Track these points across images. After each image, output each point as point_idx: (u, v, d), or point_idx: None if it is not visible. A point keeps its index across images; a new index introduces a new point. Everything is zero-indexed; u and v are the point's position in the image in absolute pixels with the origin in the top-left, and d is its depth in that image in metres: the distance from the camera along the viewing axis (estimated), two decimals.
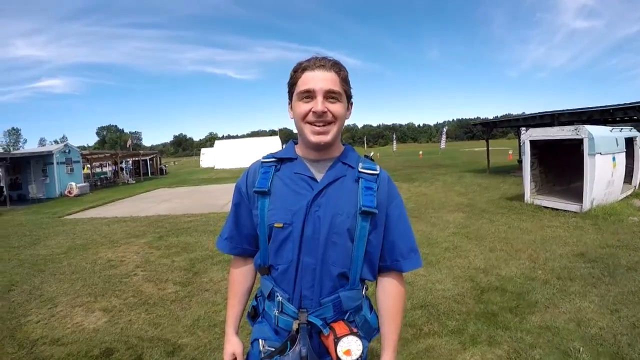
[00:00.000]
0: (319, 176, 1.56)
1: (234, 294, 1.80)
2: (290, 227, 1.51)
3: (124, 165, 38.81)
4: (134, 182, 34.08)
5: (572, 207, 10.18)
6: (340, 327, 1.49)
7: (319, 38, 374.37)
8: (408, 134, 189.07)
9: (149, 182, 32.45)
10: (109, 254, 8.66)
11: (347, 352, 1.43)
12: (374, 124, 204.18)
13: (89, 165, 35.45)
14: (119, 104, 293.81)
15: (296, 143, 1.68)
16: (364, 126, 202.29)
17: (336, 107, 1.49)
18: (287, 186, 1.56)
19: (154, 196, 21.20)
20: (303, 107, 1.49)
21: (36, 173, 25.97)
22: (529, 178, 11.56)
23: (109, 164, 41.28)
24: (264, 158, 1.66)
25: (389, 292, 1.65)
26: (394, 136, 78.56)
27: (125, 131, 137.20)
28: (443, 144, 49.40)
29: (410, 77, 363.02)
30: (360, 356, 1.45)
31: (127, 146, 43.67)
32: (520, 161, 16.75)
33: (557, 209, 10.36)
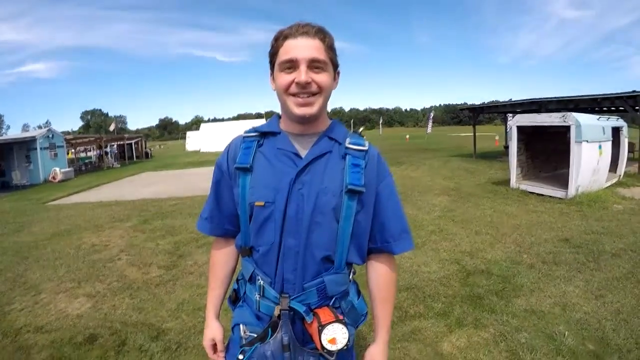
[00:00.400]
0: (303, 152, 1.48)
1: (215, 276, 1.73)
2: (272, 206, 1.43)
3: (108, 149, 38.35)
4: (119, 166, 33.81)
5: (558, 193, 10.30)
6: (325, 313, 1.42)
7: (307, 19, 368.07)
8: (395, 118, 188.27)
9: (134, 166, 32.19)
10: (93, 238, 8.63)
11: (332, 341, 1.37)
12: (361, 108, 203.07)
13: (73, 150, 35.03)
14: (104, 87, 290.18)
15: (280, 117, 1.59)
16: (351, 109, 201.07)
17: (321, 77, 1.39)
18: (269, 162, 1.48)
19: (139, 180, 21.09)
20: (285, 78, 1.39)
21: (19, 159, 25.61)
22: (515, 163, 11.67)
23: (93, 149, 40.86)
24: (246, 132, 1.58)
25: (380, 275, 1.61)
26: (381, 120, 78.25)
27: (110, 115, 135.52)
28: (430, 129, 49.40)
29: (398, 60, 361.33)
30: (346, 344, 1.38)
31: (112, 130, 43.19)
32: (506, 147, 16.79)
33: (542, 195, 10.48)
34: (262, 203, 1.44)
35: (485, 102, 22.90)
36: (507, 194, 10.61)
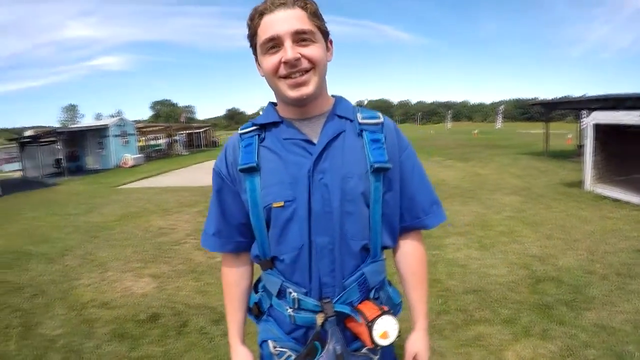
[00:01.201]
0: (314, 137, 1.30)
1: (232, 298, 1.53)
2: (294, 204, 1.26)
3: (177, 137, 39.85)
4: (187, 153, 35.11)
5: (636, 199, 9.50)
6: (368, 308, 1.28)
7: (368, 11, 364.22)
8: (463, 112, 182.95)
9: (201, 154, 33.19)
10: (160, 222, 8.87)
11: (384, 335, 1.23)
12: (428, 101, 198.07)
13: (143, 138, 36.58)
14: (173, 79, 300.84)
15: (275, 104, 1.41)
16: (418, 102, 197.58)
17: (312, 50, 1.21)
18: (278, 156, 1.30)
19: (206, 167, 21.57)
20: (270, 60, 1.22)
21: (93, 146, 27.24)
22: (590, 165, 10.83)
23: (162, 137, 42.46)
24: (241, 129, 1.40)
25: (412, 255, 1.47)
26: (449, 114, 76.41)
27: (179, 105, 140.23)
28: (499, 124, 47.79)
29: (465, 52, 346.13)
30: (398, 335, 1.26)
31: (181, 120, 44.65)
32: (580, 146, 15.75)
33: (619, 200, 9.62)
34: (281, 203, 1.26)
35: (557, 98, 21.70)
36: (580, 197, 9.90)
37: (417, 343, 1.45)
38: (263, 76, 1.30)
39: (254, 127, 1.36)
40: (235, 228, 1.42)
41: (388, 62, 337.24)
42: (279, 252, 1.31)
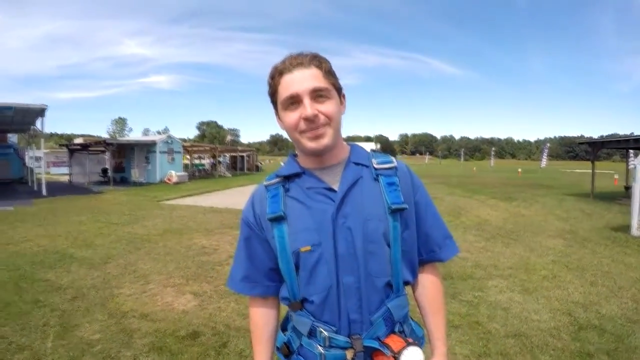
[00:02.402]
0: (334, 185, 1.42)
1: (259, 339, 1.61)
2: (320, 248, 1.36)
3: (221, 159, 40.69)
4: (230, 175, 35.78)
5: None
6: (394, 341, 1.35)
7: (417, 44, 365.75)
8: (506, 149, 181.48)
9: (244, 177, 33.71)
10: (203, 240, 8.94)
11: None
12: (472, 137, 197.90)
13: (188, 157, 37.48)
14: (219, 101, 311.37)
15: (296, 155, 1.54)
16: (461, 138, 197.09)
17: (327, 106, 1.34)
18: (303, 205, 1.40)
19: (249, 191, 21.82)
20: (291, 116, 1.35)
21: (139, 159, 28.17)
22: (638, 208, 10.45)
23: (207, 157, 43.43)
24: (267, 180, 1.52)
25: (428, 285, 1.56)
26: (492, 151, 75.54)
27: (224, 127, 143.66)
28: (544, 163, 46.85)
29: (511, 87, 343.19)
30: None
31: (226, 142, 45.73)
32: (627, 188, 15.33)
33: None
34: (308, 248, 1.37)
35: (604, 136, 20.96)
36: (626, 242, 9.50)
37: None
38: (283, 129, 1.43)
39: (277, 179, 1.48)
40: (264, 273, 1.52)
41: (433, 96, 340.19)
42: (308, 293, 1.40)
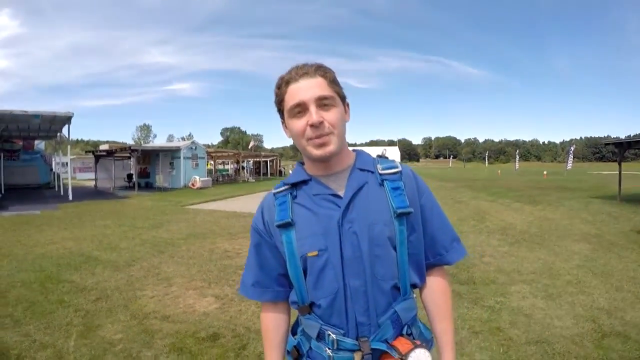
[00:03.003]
0: (340, 191, 1.46)
1: (270, 343, 1.64)
2: (327, 253, 1.40)
3: (245, 164, 41.03)
4: (254, 180, 36.14)
5: None
6: (402, 343, 1.37)
7: (440, 47, 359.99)
8: (531, 151, 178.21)
9: (267, 182, 33.97)
10: (226, 245, 9.02)
11: None
12: (496, 139, 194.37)
13: (212, 162, 37.86)
14: (243, 108, 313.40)
15: (303, 163, 1.59)
16: (485, 141, 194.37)
17: (332, 114, 1.39)
18: (310, 211, 1.45)
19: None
20: (298, 123, 1.40)
21: (164, 165, 28.62)
22: None
23: (231, 162, 43.82)
24: (275, 188, 1.56)
25: (436, 290, 1.56)
26: (517, 153, 74.40)
27: (247, 133, 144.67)
28: (569, 165, 45.98)
29: (535, 88, 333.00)
30: None
31: (250, 148, 46.12)
32: None
33: None
34: (315, 252, 1.41)
35: (631, 136, 20.31)
36: None
37: None
38: (290, 137, 1.49)
39: (285, 187, 1.52)
40: (274, 279, 1.57)
41: (456, 99, 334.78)
42: (316, 297, 1.44)
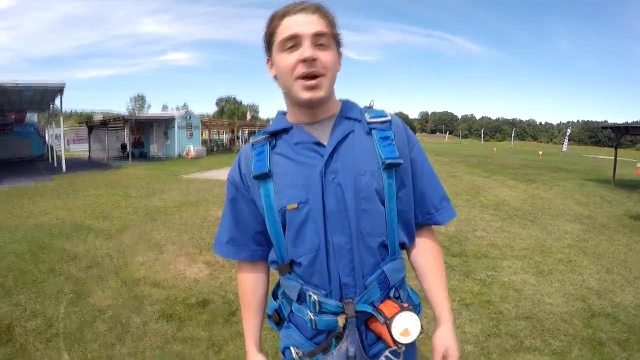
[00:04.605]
0: (324, 139, 1.33)
1: (248, 305, 1.55)
2: (307, 205, 1.28)
3: (239, 134, 40.80)
4: None
5: None
6: (387, 306, 1.28)
7: (440, 21, 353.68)
8: (528, 131, 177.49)
9: None
10: (219, 212, 8.95)
11: (405, 332, 1.22)
12: (493, 117, 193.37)
13: (207, 132, 37.67)
14: (238, 77, 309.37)
15: (285, 113, 1.45)
16: (482, 118, 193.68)
17: (326, 55, 1.26)
18: (290, 160, 1.33)
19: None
20: (288, 58, 1.25)
21: (158, 135, 28.50)
22: None
23: (225, 132, 43.63)
24: (253, 138, 1.44)
25: (428, 249, 1.47)
26: (513, 132, 74.33)
27: (243, 103, 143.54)
28: (565, 147, 46.05)
29: (536, 68, 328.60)
30: (421, 332, 1.25)
31: (247, 119, 45.93)
32: None
33: None
34: (294, 205, 1.29)
35: (629, 122, 20.15)
36: None
37: (446, 338, 1.39)
38: (273, 76, 1.35)
39: (264, 136, 1.40)
40: (251, 236, 1.46)
41: (455, 74, 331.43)
42: (296, 254, 1.33)
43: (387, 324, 1.22)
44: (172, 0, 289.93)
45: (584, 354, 3.87)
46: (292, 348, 1.38)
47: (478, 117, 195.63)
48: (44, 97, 19.93)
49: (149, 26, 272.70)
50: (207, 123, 35.75)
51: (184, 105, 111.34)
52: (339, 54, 1.37)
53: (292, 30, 1.24)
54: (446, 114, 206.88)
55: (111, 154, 27.46)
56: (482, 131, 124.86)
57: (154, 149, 27.87)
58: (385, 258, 1.34)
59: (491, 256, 6.29)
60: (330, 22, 1.29)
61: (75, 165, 20.69)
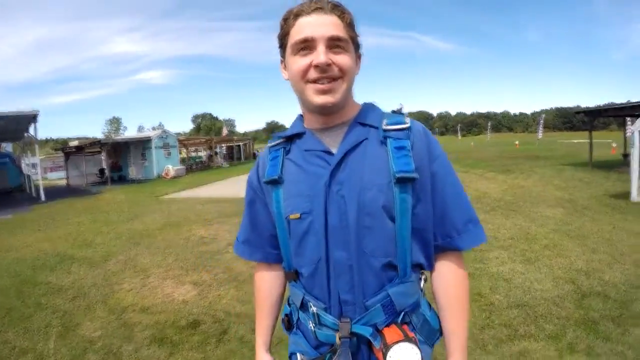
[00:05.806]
0: (334, 147, 1.27)
1: (260, 306, 1.56)
2: (310, 217, 1.23)
3: (218, 150, 40.69)
4: (228, 165, 35.78)
5: None
6: (391, 332, 1.18)
7: (409, 22, 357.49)
8: (503, 122, 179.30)
9: (242, 166, 33.68)
10: (201, 231, 8.96)
11: None
12: (468, 112, 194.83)
13: (185, 150, 37.47)
14: (213, 93, 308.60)
15: (303, 115, 1.40)
16: (457, 114, 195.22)
17: (343, 59, 1.18)
18: (299, 168, 1.29)
19: (246, 180, 21.89)
20: (300, 62, 1.19)
21: (136, 156, 28.24)
22: (637, 175, 10.35)
23: (204, 149, 43.43)
24: (270, 141, 1.41)
25: (446, 278, 1.32)
26: (489, 125, 75.18)
27: (219, 118, 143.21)
28: (540, 134, 46.87)
29: (505, 61, 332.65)
30: None
31: (224, 134, 45.79)
32: (625, 155, 15.21)
33: None
34: (297, 215, 1.25)
35: (601, 105, 20.43)
36: (626, 209, 9.48)
37: None
38: (287, 79, 1.29)
39: (280, 140, 1.38)
40: (266, 239, 1.45)
41: (428, 73, 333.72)
42: (298, 264, 1.32)
43: (383, 352, 1.14)
44: (144, 17, 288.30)
45: (578, 334, 3.94)
46: (298, 355, 1.36)
47: (453, 113, 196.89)
48: (18, 125, 19.52)
49: (121, 45, 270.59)
50: (184, 141, 35.54)
51: (159, 124, 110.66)
52: (358, 57, 1.30)
53: (305, 33, 1.17)
54: (422, 113, 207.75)
55: (89, 179, 27.15)
56: (459, 127, 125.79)
57: (132, 171, 27.57)
58: (393, 280, 1.24)
59: (477, 248, 6.29)
60: (349, 24, 1.22)
61: (54, 193, 20.37)
